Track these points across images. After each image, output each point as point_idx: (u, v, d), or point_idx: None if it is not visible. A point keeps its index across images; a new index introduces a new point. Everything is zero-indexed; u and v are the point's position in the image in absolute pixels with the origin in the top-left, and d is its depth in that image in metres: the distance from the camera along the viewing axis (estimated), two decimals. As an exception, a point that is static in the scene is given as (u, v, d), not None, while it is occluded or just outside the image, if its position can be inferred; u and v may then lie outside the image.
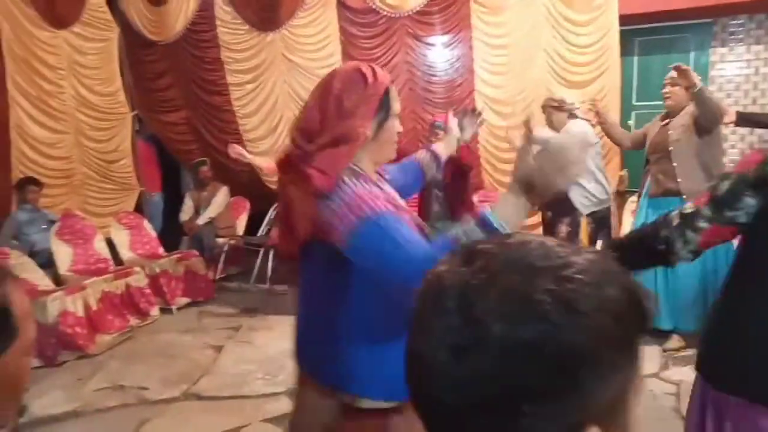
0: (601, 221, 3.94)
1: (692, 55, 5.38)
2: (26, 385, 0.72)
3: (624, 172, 5.04)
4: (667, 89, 3.35)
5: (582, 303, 0.44)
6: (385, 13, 5.34)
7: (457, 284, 0.47)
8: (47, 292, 3.92)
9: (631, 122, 5.40)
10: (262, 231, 5.62)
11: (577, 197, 3.77)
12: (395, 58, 5.45)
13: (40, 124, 5.41)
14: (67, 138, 5.61)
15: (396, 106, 1.32)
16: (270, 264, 5.09)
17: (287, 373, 3.52)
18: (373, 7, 5.34)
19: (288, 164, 1.28)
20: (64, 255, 4.65)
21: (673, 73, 3.22)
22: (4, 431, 0.76)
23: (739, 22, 5.22)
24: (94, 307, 4.08)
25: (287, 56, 5.66)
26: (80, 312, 3.95)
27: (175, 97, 6.07)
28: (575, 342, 0.43)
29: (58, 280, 4.44)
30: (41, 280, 4.25)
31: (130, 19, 5.83)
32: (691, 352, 3.51)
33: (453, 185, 4.04)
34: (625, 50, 5.13)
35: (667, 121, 3.40)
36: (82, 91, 5.66)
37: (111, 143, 5.87)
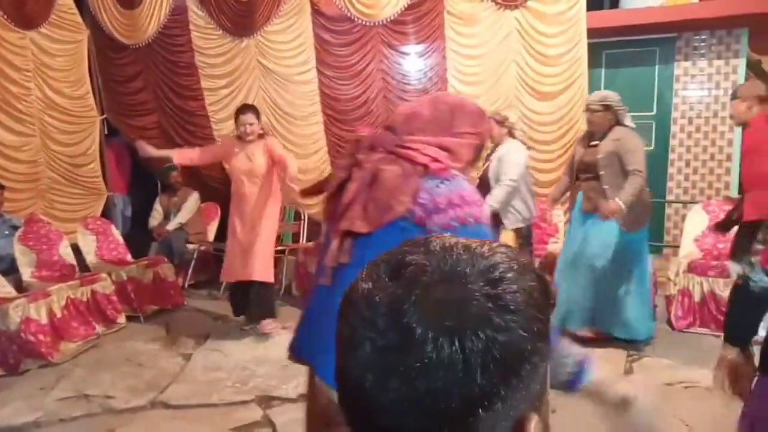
0: (525, 238, 4.08)
1: (657, 68, 5.55)
2: None
3: None
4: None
5: (516, 300, 0.45)
6: (359, 21, 5.37)
7: (387, 302, 0.45)
8: (9, 299, 3.82)
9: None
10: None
11: (504, 213, 3.88)
12: (369, 66, 5.47)
13: (5, 127, 5.27)
14: (32, 141, 5.48)
15: (478, 162, 1.42)
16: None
17: (257, 380, 3.49)
18: (348, 15, 5.37)
19: (370, 147, 1.33)
20: (27, 261, 4.53)
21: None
22: None
23: (702, 37, 5.40)
24: (59, 315, 3.98)
25: (262, 62, 5.64)
26: (44, 319, 3.85)
27: (146, 101, 5.98)
28: (517, 340, 0.44)
29: (21, 287, 4.33)
30: (3, 286, 4.13)
31: (101, 22, 5.74)
32: (653, 360, 3.59)
33: None
34: (594, 63, 5.26)
35: (595, 143, 3.65)
36: (49, 93, 5.54)
37: (79, 147, 5.75)
